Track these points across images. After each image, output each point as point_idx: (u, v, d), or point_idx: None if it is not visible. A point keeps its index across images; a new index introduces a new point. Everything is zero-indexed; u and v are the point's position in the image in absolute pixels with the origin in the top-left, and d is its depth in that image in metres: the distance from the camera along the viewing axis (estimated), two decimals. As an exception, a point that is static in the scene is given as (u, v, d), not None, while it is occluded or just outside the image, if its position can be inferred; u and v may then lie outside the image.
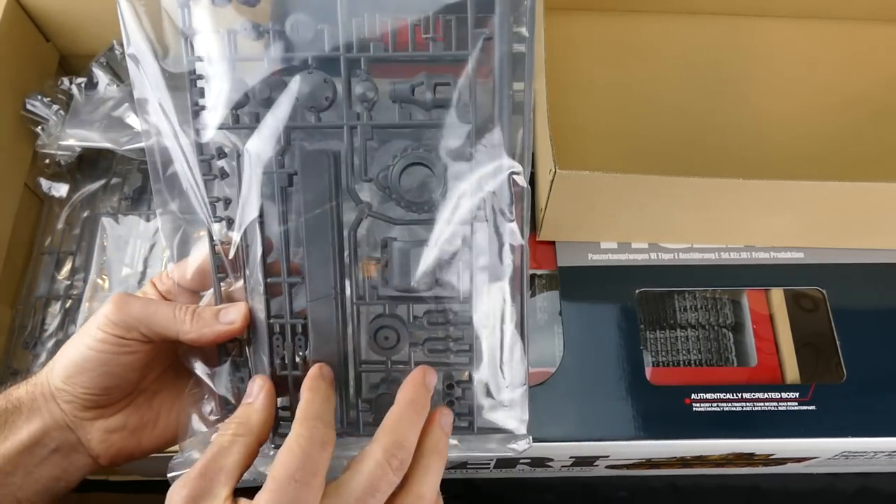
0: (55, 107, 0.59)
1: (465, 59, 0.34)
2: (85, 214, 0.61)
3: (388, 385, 0.38)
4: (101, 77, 0.60)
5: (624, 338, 0.51)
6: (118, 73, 0.61)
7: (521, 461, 0.55)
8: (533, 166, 0.57)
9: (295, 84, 0.34)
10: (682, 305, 0.57)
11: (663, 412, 0.49)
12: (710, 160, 0.59)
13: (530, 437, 0.40)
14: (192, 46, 0.35)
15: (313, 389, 0.34)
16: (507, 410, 0.39)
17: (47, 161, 0.60)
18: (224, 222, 0.37)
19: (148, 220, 0.59)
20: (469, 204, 0.36)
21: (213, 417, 0.39)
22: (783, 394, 0.49)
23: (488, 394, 0.38)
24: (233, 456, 0.32)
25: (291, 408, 0.38)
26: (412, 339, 0.37)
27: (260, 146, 0.35)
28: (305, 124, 0.35)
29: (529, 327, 0.53)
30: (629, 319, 0.52)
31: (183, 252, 0.39)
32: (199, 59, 0.35)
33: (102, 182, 0.61)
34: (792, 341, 0.53)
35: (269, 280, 0.36)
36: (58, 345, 0.55)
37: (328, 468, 0.32)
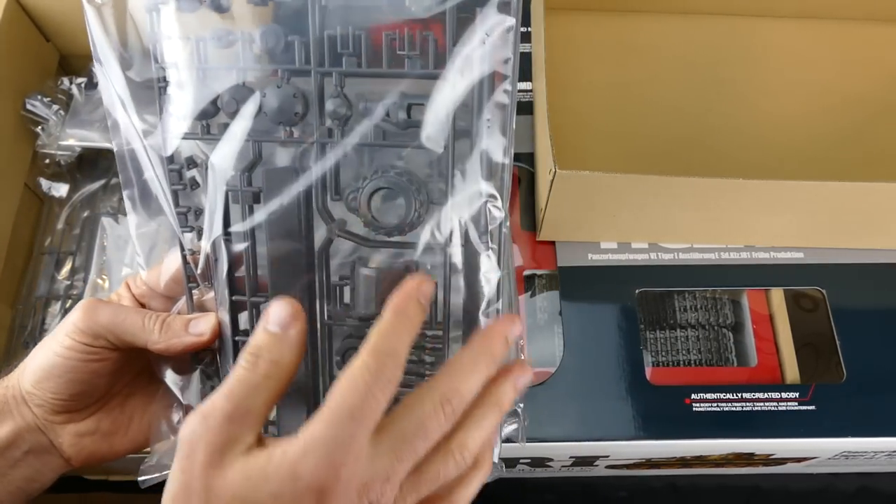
0: (55, 107, 0.59)
1: (443, 77, 0.32)
2: (85, 214, 0.61)
3: None
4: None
5: (624, 338, 0.51)
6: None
7: (521, 461, 0.55)
8: (533, 166, 0.57)
9: (264, 97, 0.33)
10: (682, 305, 0.57)
11: (663, 412, 0.49)
12: (710, 160, 0.59)
13: (502, 465, 0.38)
14: (160, 53, 0.33)
15: (397, 314, 0.30)
16: None
17: (47, 161, 0.60)
18: (195, 232, 0.36)
19: (151, 217, 0.59)
20: (442, 229, 0.34)
21: (180, 426, 0.39)
22: (783, 394, 0.49)
23: None
24: (262, 396, 0.29)
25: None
26: None
27: (225, 160, 0.33)
28: (274, 139, 0.34)
29: (529, 327, 0.53)
30: (629, 319, 0.52)
31: (154, 258, 0.38)
32: (167, 66, 0.33)
33: (102, 182, 0.61)
34: (792, 341, 0.53)
35: (234, 298, 0.35)
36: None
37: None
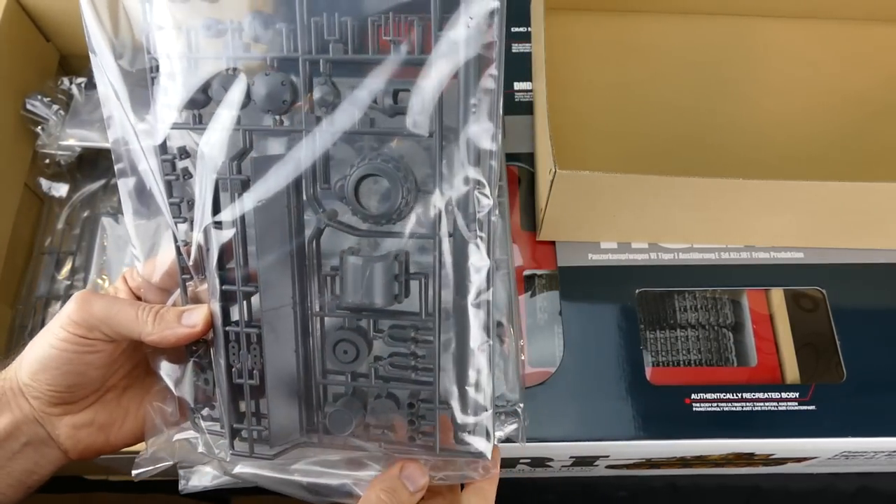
0: (55, 107, 0.59)
1: (428, 63, 0.31)
2: (85, 214, 0.61)
3: (348, 398, 0.37)
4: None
5: (624, 338, 0.51)
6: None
7: (521, 461, 0.55)
8: (533, 166, 0.57)
9: (252, 85, 0.33)
10: (682, 305, 0.57)
11: (663, 412, 0.49)
12: (710, 160, 0.59)
13: (498, 462, 0.38)
14: (152, 43, 0.33)
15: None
16: (473, 433, 0.37)
17: (47, 161, 0.60)
18: (188, 223, 0.36)
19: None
20: (430, 218, 0.33)
21: (173, 419, 0.39)
22: (783, 394, 0.49)
23: (453, 416, 0.36)
24: None
25: (246, 417, 0.37)
26: (377, 352, 0.36)
27: (214, 148, 0.33)
28: (263, 128, 0.33)
29: (529, 327, 0.53)
30: (629, 319, 0.52)
31: (150, 250, 0.38)
32: (159, 56, 0.33)
33: (102, 182, 0.61)
34: (792, 341, 0.53)
35: (224, 287, 0.35)
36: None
37: None
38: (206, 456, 0.39)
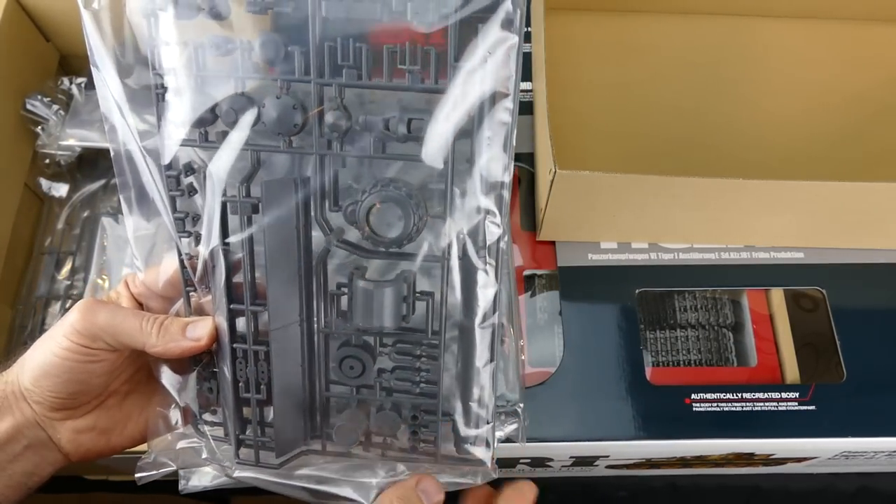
0: (55, 107, 0.59)
1: (443, 92, 0.31)
2: (85, 214, 0.61)
3: (352, 411, 0.37)
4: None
5: (624, 338, 0.51)
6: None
7: (521, 461, 0.55)
8: (533, 166, 0.57)
9: (263, 108, 0.33)
10: (682, 305, 0.57)
11: (663, 412, 0.49)
12: (710, 160, 0.59)
13: (497, 469, 0.39)
14: (157, 59, 0.33)
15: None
16: (473, 444, 0.38)
17: (47, 161, 0.60)
18: (192, 237, 0.36)
19: (148, 220, 0.59)
20: (440, 243, 0.34)
21: (175, 424, 0.39)
22: (783, 394, 0.49)
23: (455, 428, 0.37)
24: None
25: (252, 429, 0.37)
26: (382, 364, 0.37)
27: (223, 170, 0.33)
28: (272, 148, 0.33)
29: (529, 327, 0.53)
30: (629, 319, 0.52)
31: (152, 260, 0.38)
32: (165, 72, 0.33)
33: (102, 182, 0.61)
34: (792, 341, 0.53)
35: (232, 306, 0.35)
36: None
37: None
38: (209, 461, 0.39)
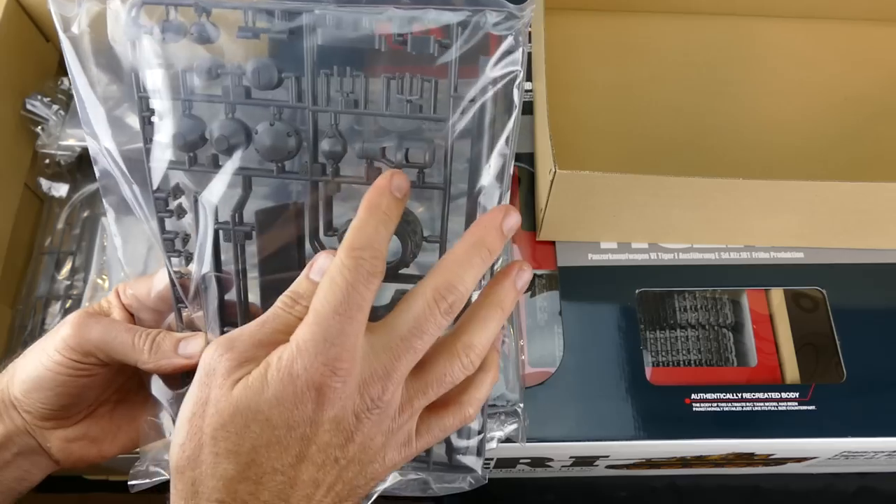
0: (55, 107, 0.59)
1: (444, 121, 0.31)
2: (85, 214, 0.61)
3: None
4: (101, 77, 0.60)
5: (624, 338, 0.51)
6: (118, 73, 0.61)
7: (521, 461, 0.55)
8: (533, 166, 0.57)
9: (256, 134, 0.32)
10: (682, 305, 0.57)
11: (663, 412, 0.49)
12: (710, 160, 0.59)
13: (486, 477, 0.39)
14: (143, 82, 0.32)
15: (370, 209, 0.30)
16: (464, 454, 0.38)
17: (47, 161, 0.60)
18: (182, 256, 0.35)
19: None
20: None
21: (167, 433, 0.39)
22: (783, 394, 0.49)
23: (448, 440, 0.37)
24: (289, 334, 0.29)
25: None
26: None
27: (216, 196, 0.33)
28: (264, 173, 0.33)
29: (529, 327, 0.53)
30: (629, 319, 0.52)
31: (140, 268, 0.38)
32: (151, 95, 0.32)
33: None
34: (792, 341, 0.53)
35: (225, 328, 0.35)
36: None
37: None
38: None
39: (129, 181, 0.34)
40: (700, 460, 0.55)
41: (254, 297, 0.36)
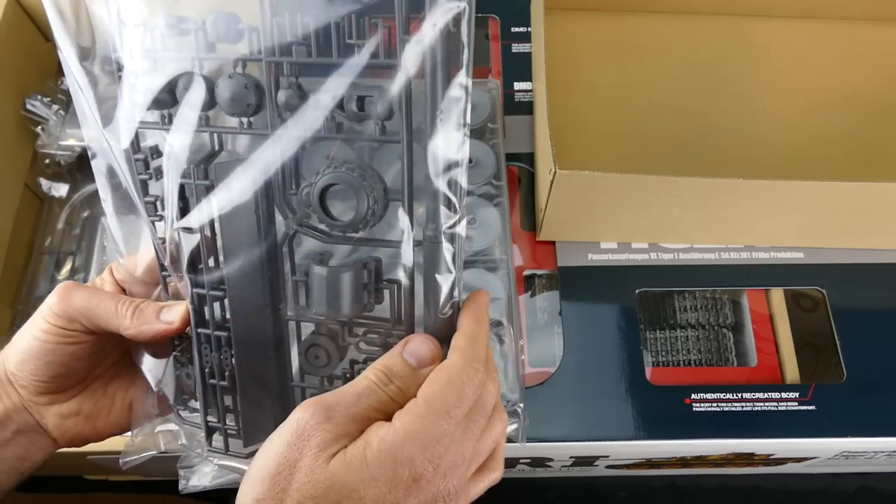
0: (55, 107, 0.59)
1: (395, 66, 0.30)
2: (85, 214, 0.61)
3: None
4: (101, 77, 0.60)
5: (624, 338, 0.51)
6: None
7: (521, 461, 0.55)
8: (533, 166, 0.57)
9: (217, 87, 0.32)
10: (682, 305, 0.57)
11: (663, 412, 0.49)
12: (710, 160, 0.59)
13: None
14: (116, 41, 0.32)
15: (481, 321, 0.33)
16: None
17: (47, 161, 0.60)
18: (164, 221, 0.35)
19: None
20: (401, 227, 0.33)
21: (158, 409, 0.39)
22: (783, 394, 0.49)
23: None
24: (381, 411, 0.31)
25: (220, 416, 0.37)
26: (354, 355, 0.36)
27: (181, 151, 0.33)
28: (228, 129, 0.33)
29: (529, 327, 0.53)
30: (629, 319, 0.52)
31: (132, 245, 0.38)
32: (124, 54, 0.32)
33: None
34: (792, 341, 0.53)
35: (195, 290, 0.35)
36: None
37: None
38: (187, 448, 0.39)
39: (109, 143, 0.34)
40: (700, 460, 0.55)
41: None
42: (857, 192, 0.48)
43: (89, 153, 0.36)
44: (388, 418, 0.31)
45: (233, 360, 0.36)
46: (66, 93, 0.61)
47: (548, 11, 0.56)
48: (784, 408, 0.49)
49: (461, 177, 0.32)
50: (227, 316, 0.35)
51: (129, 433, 0.40)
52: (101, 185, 0.36)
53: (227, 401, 0.37)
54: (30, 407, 0.37)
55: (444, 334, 0.34)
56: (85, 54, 0.34)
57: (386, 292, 0.34)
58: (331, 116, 0.32)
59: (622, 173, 0.46)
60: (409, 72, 0.30)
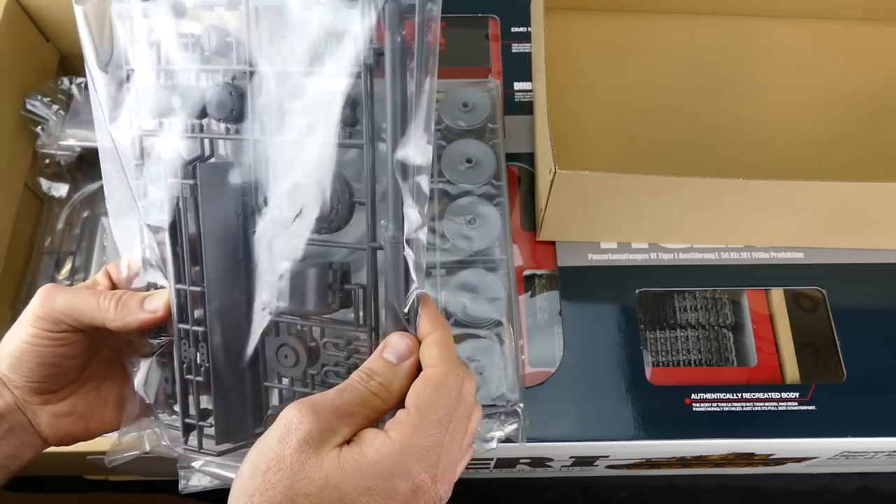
0: (55, 107, 0.59)
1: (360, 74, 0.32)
2: (85, 214, 0.61)
3: (286, 402, 0.37)
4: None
5: (624, 338, 0.51)
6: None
7: (521, 461, 0.55)
8: (533, 166, 0.57)
9: (206, 95, 0.34)
10: (682, 305, 0.57)
11: (663, 412, 0.49)
12: (710, 160, 0.59)
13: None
14: (128, 55, 0.36)
15: (444, 324, 0.34)
16: None
17: (47, 161, 0.60)
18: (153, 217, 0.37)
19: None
20: (366, 230, 0.34)
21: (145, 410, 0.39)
22: (783, 394, 0.49)
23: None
24: (367, 407, 0.32)
25: (193, 414, 0.37)
26: (323, 359, 0.36)
27: (171, 155, 0.35)
28: (213, 135, 0.35)
29: (529, 327, 0.53)
30: (629, 319, 0.52)
31: (132, 247, 0.39)
32: (133, 66, 0.36)
33: (102, 182, 0.61)
34: (792, 341, 0.53)
35: (177, 286, 0.36)
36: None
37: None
38: (170, 449, 0.39)
39: (117, 149, 0.37)
40: (700, 460, 0.55)
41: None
42: (857, 192, 0.48)
43: (100, 160, 0.37)
44: (373, 414, 0.31)
45: (207, 356, 0.36)
46: (66, 93, 0.61)
47: (548, 11, 0.56)
48: (784, 408, 0.49)
49: (424, 182, 0.32)
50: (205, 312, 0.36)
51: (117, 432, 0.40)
52: (108, 190, 0.38)
53: (203, 400, 0.37)
54: (23, 407, 0.37)
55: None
56: (103, 64, 0.36)
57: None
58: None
59: (622, 173, 0.46)
60: (377, 75, 0.32)
